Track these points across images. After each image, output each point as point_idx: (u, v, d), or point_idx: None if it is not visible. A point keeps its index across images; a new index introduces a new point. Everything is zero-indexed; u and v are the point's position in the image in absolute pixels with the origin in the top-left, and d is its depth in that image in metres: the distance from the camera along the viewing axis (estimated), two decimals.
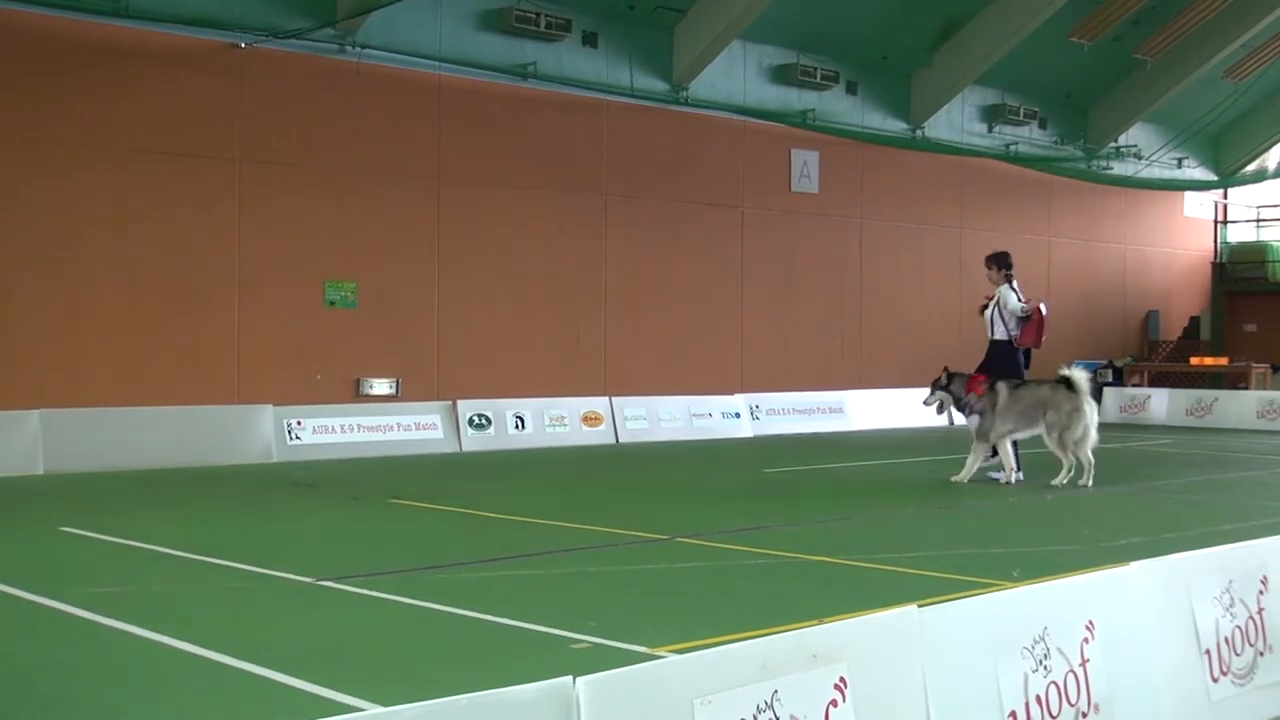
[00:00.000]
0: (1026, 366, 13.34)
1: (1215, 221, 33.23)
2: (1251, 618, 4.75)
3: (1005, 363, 12.90)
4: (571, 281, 20.54)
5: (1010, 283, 13.07)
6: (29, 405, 13.95)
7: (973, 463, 12.55)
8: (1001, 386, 12.46)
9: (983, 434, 12.45)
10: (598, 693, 2.87)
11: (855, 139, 24.02)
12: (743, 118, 22.46)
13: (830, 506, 10.97)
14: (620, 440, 17.73)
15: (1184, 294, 32.34)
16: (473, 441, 16.35)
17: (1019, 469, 12.70)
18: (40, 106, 15.76)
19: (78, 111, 16.00)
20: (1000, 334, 12.99)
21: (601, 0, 20.17)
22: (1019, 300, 13.05)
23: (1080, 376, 12.54)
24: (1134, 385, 25.69)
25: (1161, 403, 22.62)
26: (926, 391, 13.11)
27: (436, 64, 18.76)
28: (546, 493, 12.18)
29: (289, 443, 15.05)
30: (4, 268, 15.60)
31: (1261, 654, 4.76)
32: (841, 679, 3.36)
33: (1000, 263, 13.21)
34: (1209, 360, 27.43)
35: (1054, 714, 3.90)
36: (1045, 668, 3.91)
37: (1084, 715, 4.00)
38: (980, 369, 12.98)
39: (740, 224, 22.65)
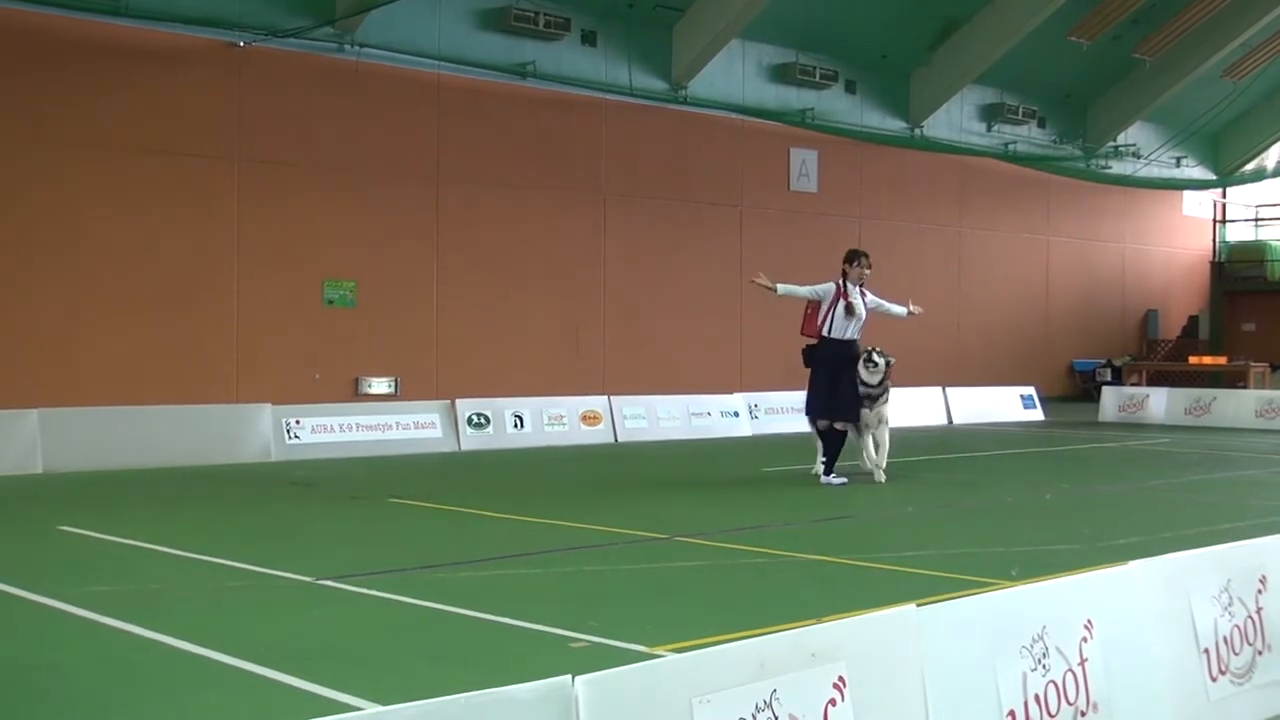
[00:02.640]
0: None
1: (1214, 221, 33.26)
2: (1250, 617, 4.75)
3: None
4: (570, 280, 20.54)
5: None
6: (28, 404, 13.94)
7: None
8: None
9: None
10: (596, 692, 2.87)
11: (854, 138, 24.03)
12: (742, 117, 22.47)
13: (829, 506, 10.97)
14: (619, 439, 17.73)
15: (1183, 293, 32.36)
16: (471, 440, 16.34)
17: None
18: (39, 105, 15.77)
19: (76, 110, 16.01)
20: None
21: None
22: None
23: None
24: (1133, 384, 25.70)
25: (1160, 402, 22.61)
26: (880, 371, 12.16)
27: (435, 63, 18.76)
28: (545, 492, 12.18)
29: (287, 442, 15.04)
30: (2, 266, 15.60)
31: (1260, 653, 4.76)
32: (840, 678, 3.36)
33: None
34: (1208, 359, 27.45)
35: (1052, 713, 3.90)
36: (1044, 667, 3.91)
37: (1082, 714, 4.01)
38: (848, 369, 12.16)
39: (739, 223, 22.66)
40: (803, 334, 12.42)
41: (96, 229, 16.19)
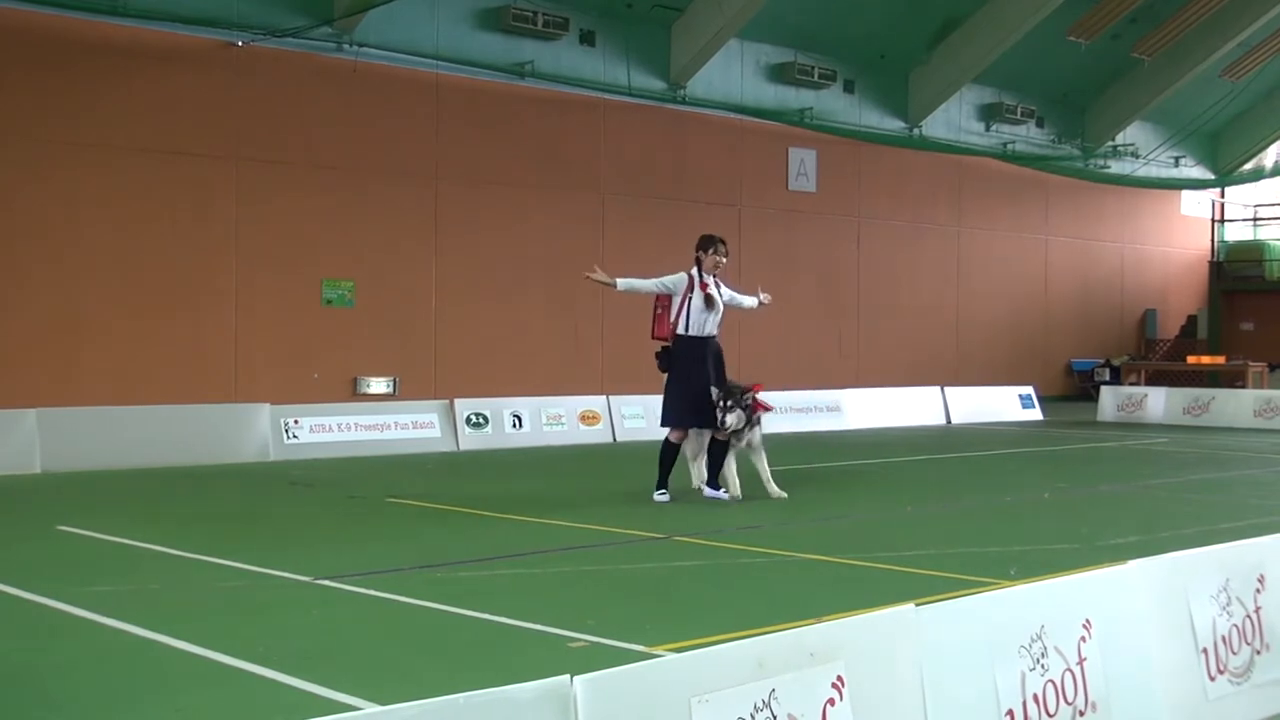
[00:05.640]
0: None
1: (1212, 220, 33.28)
2: (1248, 616, 4.75)
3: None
4: (569, 280, 20.50)
5: None
6: (26, 404, 13.94)
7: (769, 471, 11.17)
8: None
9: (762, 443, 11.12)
10: (595, 691, 2.87)
11: (853, 138, 24.04)
12: (740, 116, 22.47)
13: (828, 506, 10.97)
14: (618, 439, 17.72)
15: (1181, 293, 32.37)
16: (470, 440, 16.34)
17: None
18: (37, 105, 15.76)
19: (75, 110, 16.00)
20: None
21: None
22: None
23: None
24: (1131, 384, 25.72)
25: (1159, 401, 22.62)
26: (732, 408, 10.61)
27: (434, 62, 18.76)
28: (544, 491, 12.18)
29: (286, 442, 15.04)
30: (1, 265, 15.59)
31: (1258, 652, 4.76)
32: (839, 678, 3.37)
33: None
34: (1206, 359, 27.47)
35: (1051, 713, 3.91)
36: (1043, 666, 3.92)
37: (1081, 714, 4.01)
38: (721, 375, 10.92)
39: (738, 223, 22.65)
40: (654, 337, 10.94)
41: (95, 228, 16.18)
